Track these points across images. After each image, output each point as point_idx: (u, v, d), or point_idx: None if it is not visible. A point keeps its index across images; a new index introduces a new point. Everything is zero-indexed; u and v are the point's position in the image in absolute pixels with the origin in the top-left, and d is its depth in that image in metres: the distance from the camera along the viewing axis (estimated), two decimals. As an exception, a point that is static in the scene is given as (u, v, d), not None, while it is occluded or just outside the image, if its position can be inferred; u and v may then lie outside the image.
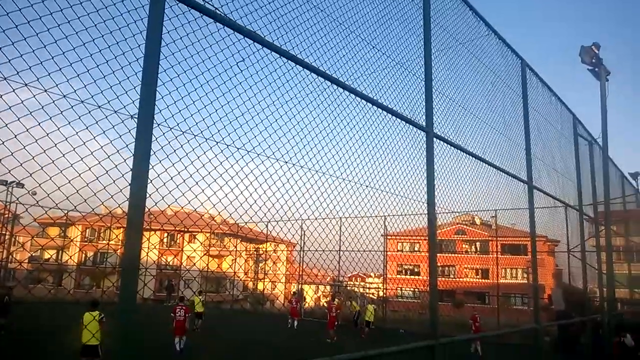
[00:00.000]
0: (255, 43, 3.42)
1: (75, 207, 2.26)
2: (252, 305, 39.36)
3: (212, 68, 2.93)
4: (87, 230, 50.23)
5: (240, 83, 3.14)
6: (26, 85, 2.34)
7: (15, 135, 2.17)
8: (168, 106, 2.57)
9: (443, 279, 44.27)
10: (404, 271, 47.12)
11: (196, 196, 2.95)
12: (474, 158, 6.53)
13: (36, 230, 46.21)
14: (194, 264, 45.25)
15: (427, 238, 5.14)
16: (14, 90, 2.25)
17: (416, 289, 36.81)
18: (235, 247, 45.99)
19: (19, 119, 2.18)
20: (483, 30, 7.49)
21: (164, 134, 2.50)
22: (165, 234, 50.36)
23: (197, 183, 2.82)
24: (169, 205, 2.90)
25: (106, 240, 47.07)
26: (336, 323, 20.85)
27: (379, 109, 4.72)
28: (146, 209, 2.32)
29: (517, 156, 8.18)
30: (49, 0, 2.26)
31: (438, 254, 5.36)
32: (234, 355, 15.77)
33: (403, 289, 40.96)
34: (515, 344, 15.82)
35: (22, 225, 38.22)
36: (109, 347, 10.14)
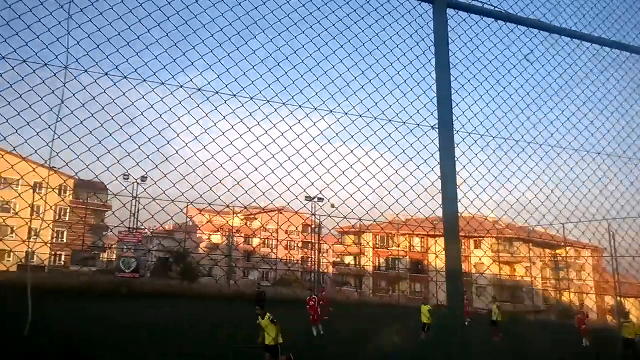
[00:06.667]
0: (541, 32, 3.21)
1: (367, 212, 2.57)
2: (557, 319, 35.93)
3: (500, 67, 2.89)
4: (377, 237, 55.12)
5: (533, 75, 2.99)
6: (323, 118, 2.79)
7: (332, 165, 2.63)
8: (464, 112, 2.66)
9: None
10: None
11: (491, 197, 2.93)
12: None
13: (336, 239, 53.76)
14: (487, 269, 44.16)
15: None
16: (310, 127, 2.73)
17: None
18: (528, 253, 42.78)
19: (314, 138, 2.63)
20: None
21: (463, 139, 2.60)
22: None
23: (477, 182, 2.81)
24: (466, 208, 2.96)
25: (395, 246, 50.83)
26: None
27: None
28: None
29: None
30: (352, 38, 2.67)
31: None
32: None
33: None
34: None
35: (329, 233, 44.65)
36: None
